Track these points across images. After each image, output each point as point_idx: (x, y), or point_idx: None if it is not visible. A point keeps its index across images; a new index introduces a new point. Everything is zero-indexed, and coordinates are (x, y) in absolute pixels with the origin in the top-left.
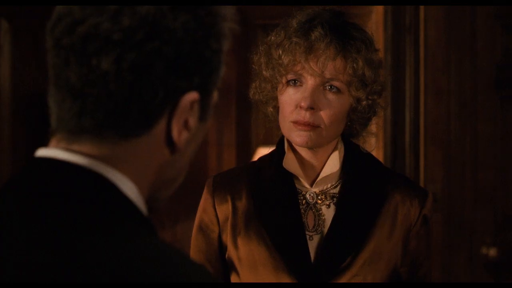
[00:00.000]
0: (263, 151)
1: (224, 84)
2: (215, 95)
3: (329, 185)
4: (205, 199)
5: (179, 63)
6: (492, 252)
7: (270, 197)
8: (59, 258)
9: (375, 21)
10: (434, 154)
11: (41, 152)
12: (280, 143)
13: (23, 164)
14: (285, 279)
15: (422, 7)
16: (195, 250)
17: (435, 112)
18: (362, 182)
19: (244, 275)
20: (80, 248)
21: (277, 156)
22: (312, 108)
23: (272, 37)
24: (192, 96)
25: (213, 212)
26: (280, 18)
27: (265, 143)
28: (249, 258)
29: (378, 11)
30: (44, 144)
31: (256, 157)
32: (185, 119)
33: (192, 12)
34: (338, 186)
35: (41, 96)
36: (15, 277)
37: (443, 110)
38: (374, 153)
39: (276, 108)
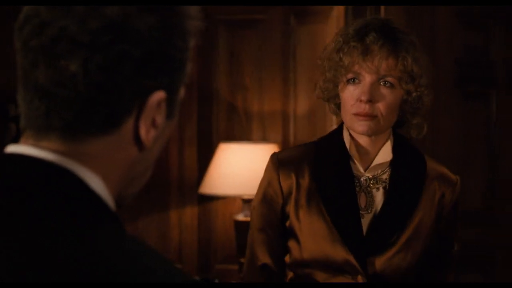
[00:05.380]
0: (224, 147)
1: None
2: (181, 92)
3: (379, 171)
4: (270, 174)
5: (146, 64)
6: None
7: (331, 179)
8: (25, 253)
9: (336, 17)
10: None
11: (10, 149)
12: (338, 132)
13: None
14: (340, 249)
15: (382, 6)
16: (259, 215)
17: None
18: (408, 170)
19: (305, 242)
20: (47, 244)
21: (338, 143)
22: (370, 101)
23: (332, 44)
24: (159, 95)
25: (278, 186)
26: (241, 13)
27: (227, 138)
28: (310, 230)
29: (339, 8)
30: (5, 142)
31: (218, 153)
32: (153, 117)
33: (157, 13)
34: (387, 173)
35: (2, 93)
36: None
37: None
38: None
39: (337, 104)
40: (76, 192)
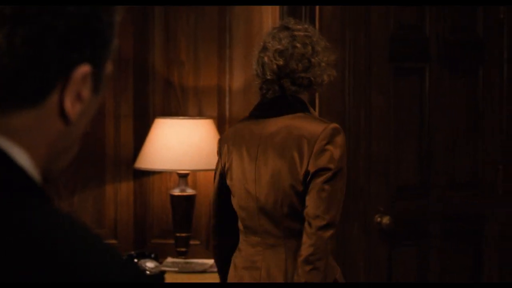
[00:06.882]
0: (160, 122)
1: (120, 55)
2: (109, 67)
3: None
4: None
5: (71, 37)
6: (385, 220)
7: None
8: None
9: None
10: None
11: None
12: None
13: None
14: None
15: None
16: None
17: (330, 84)
18: None
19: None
20: None
21: None
22: None
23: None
24: (84, 69)
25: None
26: None
27: (163, 114)
28: None
29: None
30: None
31: (154, 128)
32: (78, 91)
33: None
34: None
35: None
36: None
37: (338, 82)
38: None
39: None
40: (1, 167)
